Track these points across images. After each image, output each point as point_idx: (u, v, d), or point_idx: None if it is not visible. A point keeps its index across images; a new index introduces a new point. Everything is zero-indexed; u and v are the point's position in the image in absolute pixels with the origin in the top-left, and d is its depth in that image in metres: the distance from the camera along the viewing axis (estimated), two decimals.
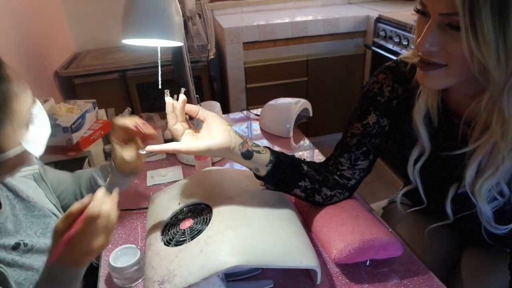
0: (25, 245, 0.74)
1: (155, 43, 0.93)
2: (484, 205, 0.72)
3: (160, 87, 0.92)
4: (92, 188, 0.93)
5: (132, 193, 1.05)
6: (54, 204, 0.84)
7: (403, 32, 2.11)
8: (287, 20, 2.39)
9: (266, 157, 0.76)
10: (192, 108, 0.76)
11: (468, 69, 0.61)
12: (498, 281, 0.86)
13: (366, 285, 0.74)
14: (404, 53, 2.09)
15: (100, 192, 0.65)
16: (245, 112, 1.55)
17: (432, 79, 0.67)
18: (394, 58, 2.27)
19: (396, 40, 2.17)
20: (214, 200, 0.79)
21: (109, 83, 2.28)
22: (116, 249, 0.79)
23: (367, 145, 0.86)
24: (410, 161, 0.82)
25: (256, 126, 1.41)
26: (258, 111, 1.47)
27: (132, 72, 2.30)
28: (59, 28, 2.45)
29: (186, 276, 0.64)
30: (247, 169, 0.79)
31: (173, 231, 0.77)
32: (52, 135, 0.72)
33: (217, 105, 1.38)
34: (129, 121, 0.82)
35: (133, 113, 2.42)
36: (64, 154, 1.56)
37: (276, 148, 1.23)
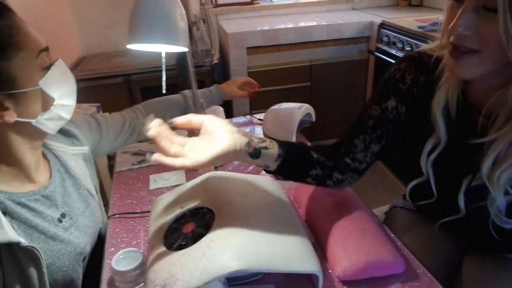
0: (70, 218, 0.78)
1: (160, 48, 0.94)
2: (500, 196, 0.72)
3: (164, 91, 0.93)
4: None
5: (135, 197, 1.05)
6: (94, 185, 0.90)
7: (406, 38, 2.11)
8: (290, 26, 2.40)
9: (274, 151, 0.73)
10: (196, 123, 0.69)
11: (501, 56, 0.61)
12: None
13: None
14: None
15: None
16: (248, 116, 1.55)
17: (464, 67, 0.67)
18: None
19: (400, 45, 2.18)
20: (216, 205, 0.80)
21: (114, 87, 2.30)
22: (119, 253, 0.80)
23: (382, 129, 0.85)
24: (424, 152, 0.81)
25: (259, 130, 1.42)
26: (261, 115, 1.48)
27: (136, 76, 2.32)
28: (67, 32, 2.48)
29: (187, 280, 0.64)
30: (250, 174, 0.79)
31: (175, 235, 0.77)
32: None
33: (220, 109, 1.39)
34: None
35: None
36: None
37: None
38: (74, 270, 0.80)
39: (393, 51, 2.24)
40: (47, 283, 0.72)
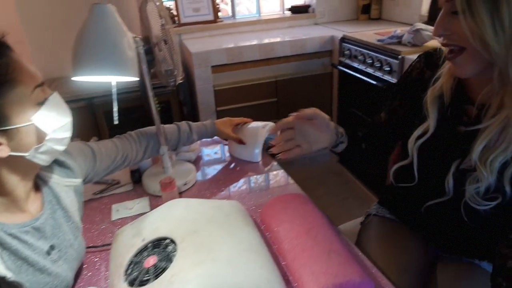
0: (59, 250, 0.77)
1: (109, 79, 0.91)
2: (491, 178, 0.76)
3: (116, 122, 0.90)
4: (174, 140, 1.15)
5: (96, 229, 1.01)
6: (80, 219, 0.88)
7: (367, 51, 2.17)
8: (254, 42, 2.42)
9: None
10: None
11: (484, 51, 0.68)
12: None
13: None
14: (370, 71, 2.16)
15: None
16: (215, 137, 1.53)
17: (459, 67, 0.76)
18: (360, 76, 2.32)
19: (361, 58, 2.23)
20: (179, 235, 0.77)
21: (75, 112, 2.18)
22: None
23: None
24: (413, 136, 0.88)
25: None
26: None
27: (99, 99, 2.26)
28: (21, 55, 2.39)
29: None
30: (215, 199, 0.78)
31: (137, 270, 0.73)
32: None
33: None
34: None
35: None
36: None
37: (245, 175, 1.23)
38: None
39: (355, 64, 2.29)
40: None
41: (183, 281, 0.65)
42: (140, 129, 1.13)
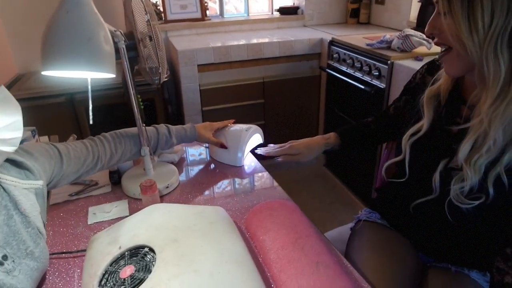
0: (13, 260, 0.70)
1: (83, 74, 0.85)
2: (475, 178, 0.78)
3: (91, 122, 0.85)
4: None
5: (71, 234, 0.95)
6: (43, 223, 0.80)
7: (355, 55, 2.15)
8: (242, 42, 2.37)
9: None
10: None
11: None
12: None
13: None
14: (358, 75, 2.14)
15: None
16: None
17: (448, 65, 0.81)
18: (349, 80, 2.31)
19: (350, 62, 2.21)
20: (158, 243, 0.72)
21: (55, 107, 2.15)
22: None
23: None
24: (408, 133, 0.92)
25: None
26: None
27: (81, 95, 2.18)
28: (0, 47, 2.29)
29: None
30: (198, 204, 0.74)
31: (112, 281, 0.68)
32: None
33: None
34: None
35: (82, 138, 2.30)
36: None
37: (229, 178, 1.18)
38: None
39: (344, 68, 2.27)
40: None
41: None
42: (118, 130, 1.06)
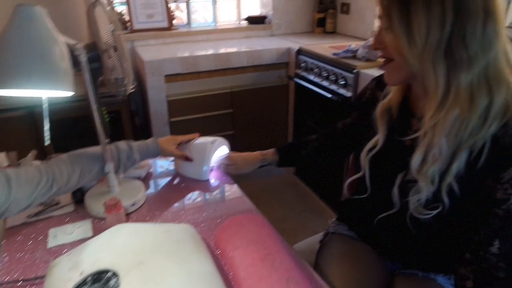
0: None
1: (37, 93, 0.81)
2: (428, 189, 0.80)
3: (47, 143, 0.80)
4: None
5: (29, 259, 0.90)
6: None
7: (323, 64, 2.18)
8: (210, 52, 2.36)
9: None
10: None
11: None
12: None
13: None
14: (325, 84, 2.17)
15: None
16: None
17: (388, 74, 0.84)
18: (316, 89, 2.33)
19: (317, 71, 2.24)
20: (123, 266, 0.69)
21: (14, 121, 2.05)
22: None
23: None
24: (365, 149, 0.93)
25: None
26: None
27: (42, 108, 2.09)
28: None
29: None
30: (165, 222, 0.71)
31: None
32: None
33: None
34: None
35: (43, 155, 2.20)
36: None
37: (197, 192, 1.16)
38: None
39: (311, 77, 2.30)
40: None
41: None
42: (76, 150, 1.01)
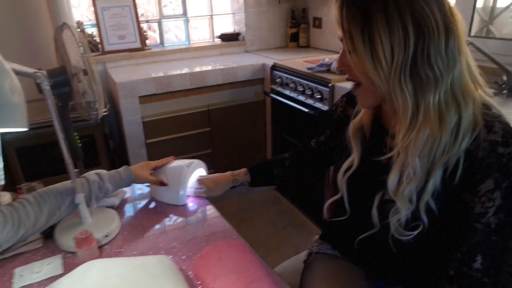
0: None
1: None
2: (405, 209, 0.78)
3: (1, 183, 0.75)
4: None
5: None
6: None
7: (298, 79, 2.18)
8: (185, 71, 2.33)
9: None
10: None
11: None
12: None
13: None
14: (301, 98, 2.17)
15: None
16: None
17: (359, 98, 0.83)
18: (293, 104, 2.33)
19: (292, 86, 2.24)
20: None
21: None
22: None
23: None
24: (341, 170, 0.91)
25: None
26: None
27: (10, 135, 2.01)
28: None
29: None
30: (139, 256, 0.67)
31: None
32: None
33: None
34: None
35: (12, 182, 2.10)
36: None
37: (173, 219, 1.12)
38: None
39: (287, 92, 2.30)
40: None
41: None
42: (42, 189, 0.96)
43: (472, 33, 1.92)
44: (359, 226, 0.91)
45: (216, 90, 2.42)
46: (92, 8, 2.50)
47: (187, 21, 2.89)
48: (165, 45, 2.84)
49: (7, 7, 2.14)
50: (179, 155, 2.08)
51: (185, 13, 2.87)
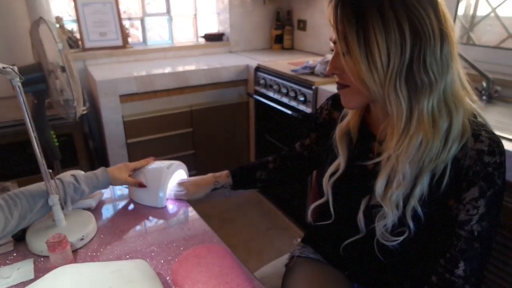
0: None
1: None
2: (393, 214, 0.77)
3: None
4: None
5: None
6: None
7: (281, 81, 2.17)
8: (167, 71, 2.30)
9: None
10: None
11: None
12: None
13: None
14: (285, 100, 2.16)
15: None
16: None
17: (345, 97, 0.80)
18: (276, 106, 2.32)
19: (276, 88, 2.23)
20: None
21: None
22: None
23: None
24: (326, 174, 0.90)
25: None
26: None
27: None
28: None
29: None
30: (115, 261, 0.64)
31: None
32: None
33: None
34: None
35: None
36: None
37: (152, 221, 1.09)
38: None
39: (271, 94, 2.28)
40: None
41: None
42: (13, 191, 0.92)
43: None
44: (344, 231, 0.91)
45: (199, 90, 2.39)
46: (72, 4, 2.44)
47: (170, 20, 2.85)
48: (147, 43, 2.80)
49: None
50: (161, 155, 2.03)
51: (168, 11, 2.83)
